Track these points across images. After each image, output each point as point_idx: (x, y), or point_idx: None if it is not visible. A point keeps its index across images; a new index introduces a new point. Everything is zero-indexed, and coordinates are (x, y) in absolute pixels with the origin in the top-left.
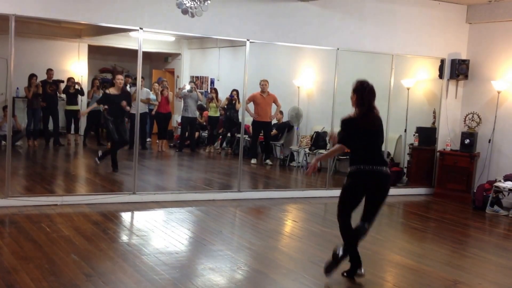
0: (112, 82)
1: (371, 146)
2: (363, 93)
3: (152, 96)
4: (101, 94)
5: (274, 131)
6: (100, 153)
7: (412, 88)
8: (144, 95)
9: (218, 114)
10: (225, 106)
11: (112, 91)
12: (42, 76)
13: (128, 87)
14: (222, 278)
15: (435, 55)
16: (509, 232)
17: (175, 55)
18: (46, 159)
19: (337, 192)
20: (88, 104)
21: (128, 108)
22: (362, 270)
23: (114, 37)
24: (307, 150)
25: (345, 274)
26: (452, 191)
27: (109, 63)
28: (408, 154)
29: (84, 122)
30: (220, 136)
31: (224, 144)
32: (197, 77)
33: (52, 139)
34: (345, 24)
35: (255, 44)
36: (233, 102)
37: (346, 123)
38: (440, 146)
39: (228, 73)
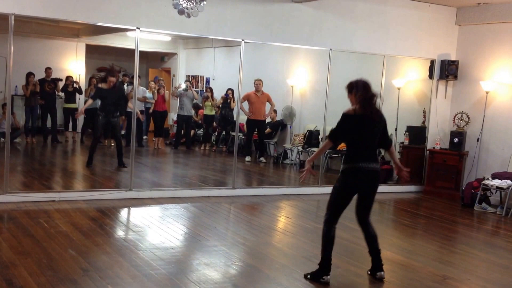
0: (105, 79)
1: (368, 142)
2: (357, 89)
3: (149, 94)
4: None
5: (268, 130)
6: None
7: (403, 88)
8: (140, 93)
9: (213, 113)
10: (220, 105)
11: (104, 86)
12: (40, 75)
13: (125, 86)
14: (217, 273)
15: (425, 56)
16: (497, 229)
17: (171, 55)
18: (44, 156)
19: (329, 190)
20: (86, 103)
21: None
22: (329, 277)
23: (112, 36)
24: (300, 148)
25: (308, 276)
26: (441, 189)
27: (107, 62)
28: (398, 152)
29: (82, 120)
30: (215, 134)
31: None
32: (192, 76)
33: (50, 136)
34: (337, 25)
35: (249, 44)
36: (228, 101)
37: (346, 117)
38: (429, 144)
39: (223, 73)
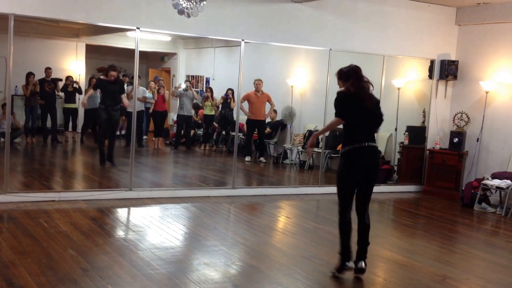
0: (106, 74)
1: (365, 122)
2: (348, 72)
3: (149, 94)
4: (98, 93)
5: (267, 130)
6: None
7: (403, 88)
8: (140, 93)
9: (213, 113)
10: (220, 105)
11: (105, 78)
12: (40, 75)
13: (125, 86)
14: (217, 273)
15: (425, 56)
16: (496, 228)
17: (171, 55)
18: (44, 156)
19: (329, 189)
20: (87, 92)
21: (126, 101)
22: (352, 263)
23: (112, 36)
24: (300, 148)
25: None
26: (441, 189)
27: (107, 62)
28: (398, 152)
29: (82, 119)
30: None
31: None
32: (192, 76)
33: (50, 136)
34: (337, 25)
35: (249, 44)
36: (228, 101)
37: (344, 95)
38: (429, 144)
39: (223, 73)
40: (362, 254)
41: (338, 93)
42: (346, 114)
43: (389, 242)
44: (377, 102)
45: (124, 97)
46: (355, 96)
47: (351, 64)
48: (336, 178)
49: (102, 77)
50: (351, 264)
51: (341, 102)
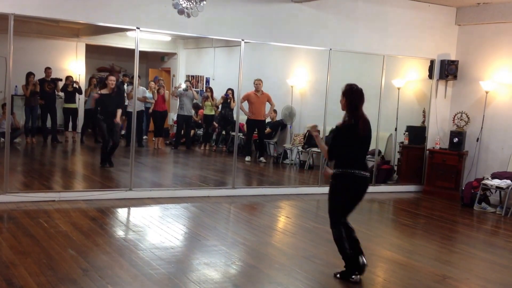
0: (104, 83)
1: (358, 152)
2: (352, 96)
3: (149, 94)
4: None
5: (267, 130)
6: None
7: (403, 88)
8: (140, 93)
9: (213, 113)
10: (220, 105)
11: (104, 91)
12: (40, 75)
13: (125, 86)
14: (217, 273)
15: (425, 56)
16: (496, 228)
17: (171, 55)
18: (44, 156)
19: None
20: (86, 103)
21: (118, 121)
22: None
23: (112, 36)
24: (300, 148)
25: (338, 275)
26: (441, 189)
27: (107, 62)
28: (398, 152)
29: (82, 119)
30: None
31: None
32: (192, 76)
33: (50, 136)
34: (337, 25)
35: (249, 44)
36: (228, 100)
37: (339, 131)
38: (429, 144)
39: (223, 73)
40: (359, 249)
41: (338, 127)
42: (337, 149)
43: (389, 242)
44: (369, 129)
45: (119, 112)
46: (352, 127)
47: (358, 88)
48: (328, 199)
49: (101, 91)
50: (357, 277)
51: (337, 136)
